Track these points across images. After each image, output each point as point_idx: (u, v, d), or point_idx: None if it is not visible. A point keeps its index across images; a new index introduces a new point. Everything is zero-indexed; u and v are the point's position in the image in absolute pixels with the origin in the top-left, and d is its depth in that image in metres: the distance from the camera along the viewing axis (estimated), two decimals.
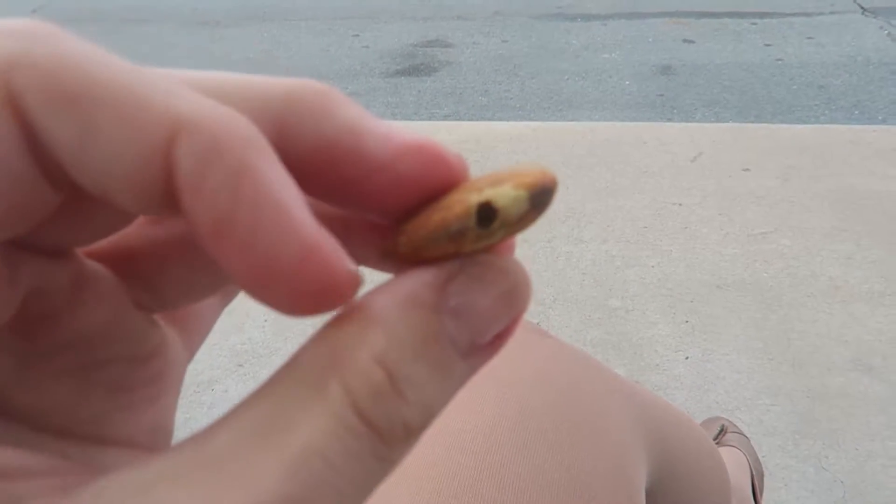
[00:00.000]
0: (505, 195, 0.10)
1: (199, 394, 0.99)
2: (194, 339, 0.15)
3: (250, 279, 0.09)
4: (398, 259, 0.11)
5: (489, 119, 1.95)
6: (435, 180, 0.11)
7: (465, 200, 0.10)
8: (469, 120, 1.95)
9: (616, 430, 0.38)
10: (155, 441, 0.14)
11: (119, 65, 0.09)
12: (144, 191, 0.09)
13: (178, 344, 0.14)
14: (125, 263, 0.13)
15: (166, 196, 0.09)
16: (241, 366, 1.04)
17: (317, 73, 2.35)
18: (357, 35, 2.69)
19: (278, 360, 1.16)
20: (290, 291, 0.09)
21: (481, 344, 0.11)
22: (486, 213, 0.10)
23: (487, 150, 1.59)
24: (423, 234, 0.11)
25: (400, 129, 0.11)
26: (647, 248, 1.24)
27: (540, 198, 0.11)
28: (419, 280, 0.11)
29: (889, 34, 2.36)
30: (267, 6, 3.10)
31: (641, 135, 1.63)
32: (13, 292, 0.11)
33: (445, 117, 2.01)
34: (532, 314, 1.10)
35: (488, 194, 0.10)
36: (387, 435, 0.10)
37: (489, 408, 0.36)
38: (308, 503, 0.09)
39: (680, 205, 1.36)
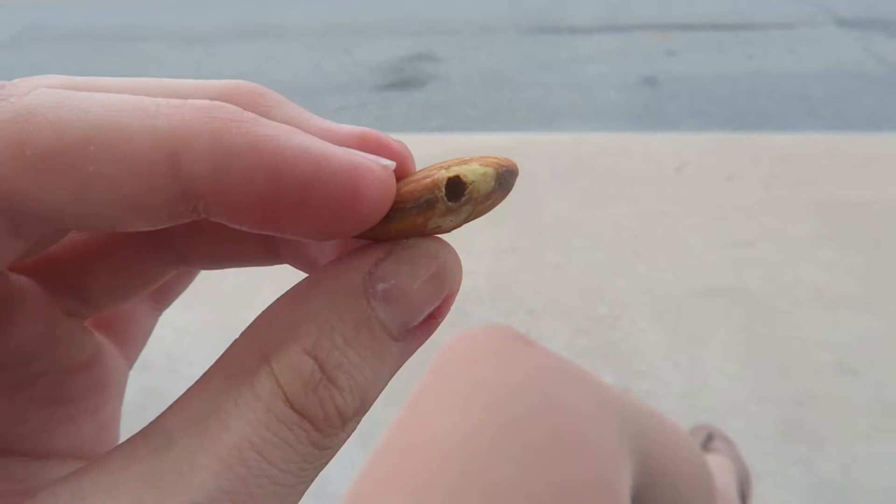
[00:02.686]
0: (473, 171, 0.11)
1: None
2: (131, 347, 0.15)
3: (319, 228, 0.10)
4: (363, 235, 0.11)
5: (478, 131, 1.97)
6: None
7: (434, 175, 0.11)
8: (458, 132, 1.97)
9: (600, 436, 0.39)
10: (101, 450, 0.14)
11: (88, 102, 0.09)
12: (156, 211, 0.09)
13: (114, 352, 0.14)
14: (49, 271, 0.13)
15: (178, 205, 0.09)
16: None
17: (307, 87, 2.36)
18: (347, 50, 2.71)
19: None
20: (354, 213, 0.10)
21: (413, 326, 0.11)
22: (456, 187, 0.11)
23: None
24: (393, 205, 0.11)
25: (339, 124, 0.11)
26: (634, 256, 1.26)
27: (505, 177, 0.11)
28: (347, 267, 0.11)
29: (865, 46, 2.41)
30: (257, 23, 3.12)
31: (627, 145, 1.65)
32: None
33: (434, 129, 2.02)
34: (521, 323, 1.10)
35: (457, 170, 0.11)
36: (321, 423, 0.10)
37: (474, 415, 0.36)
38: (245, 496, 0.09)
39: (666, 213, 1.38)
